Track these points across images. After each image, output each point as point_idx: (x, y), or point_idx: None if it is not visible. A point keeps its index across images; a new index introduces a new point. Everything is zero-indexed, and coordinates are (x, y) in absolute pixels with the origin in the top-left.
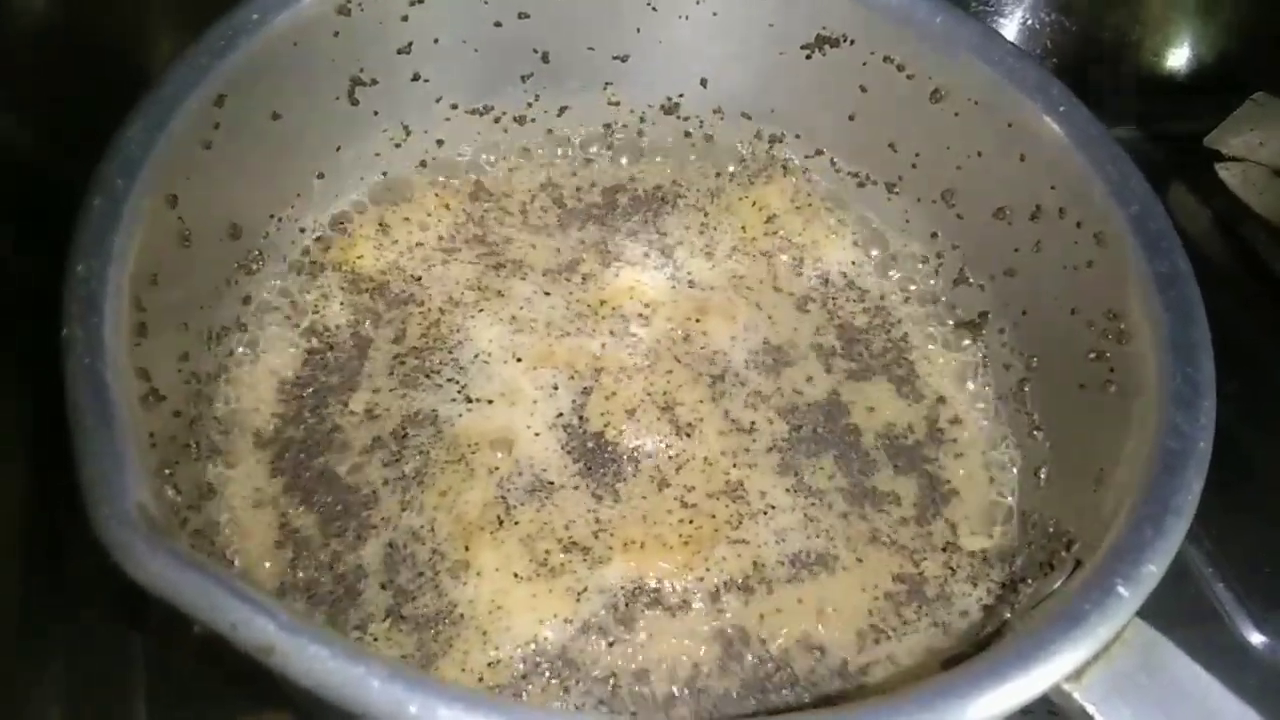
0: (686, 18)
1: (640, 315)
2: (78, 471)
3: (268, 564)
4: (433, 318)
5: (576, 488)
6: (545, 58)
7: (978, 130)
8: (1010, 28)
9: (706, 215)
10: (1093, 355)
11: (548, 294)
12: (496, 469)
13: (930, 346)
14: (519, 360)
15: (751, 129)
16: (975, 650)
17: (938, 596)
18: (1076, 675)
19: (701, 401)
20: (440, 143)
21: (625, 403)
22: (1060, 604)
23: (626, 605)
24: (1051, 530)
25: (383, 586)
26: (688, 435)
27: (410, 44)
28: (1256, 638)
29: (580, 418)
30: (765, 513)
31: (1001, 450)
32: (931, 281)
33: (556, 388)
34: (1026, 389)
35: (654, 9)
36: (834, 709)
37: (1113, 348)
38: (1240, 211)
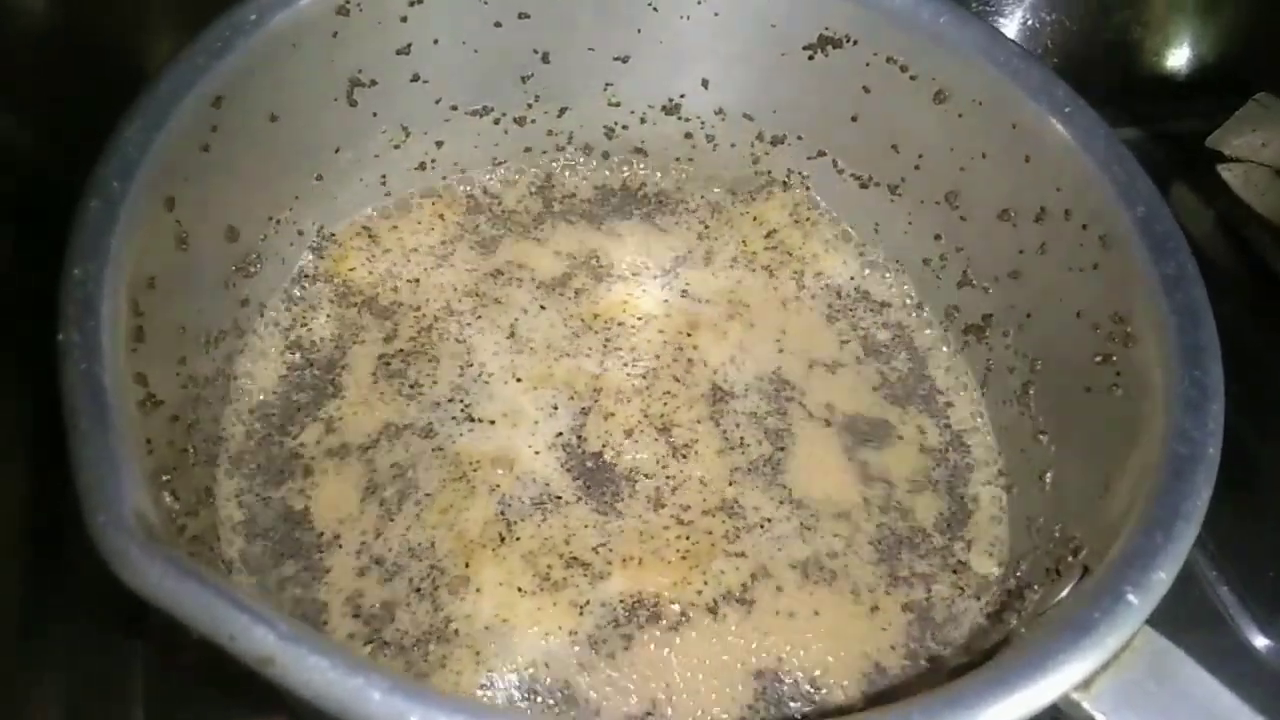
0: (688, 18)
1: (638, 330)
2: (75, 477)
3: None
4: (426, 324)
5: (576, 505)
6: (545, 58)
7: (982, 131)
8: (1011, 28)
9: (707, 227)
10: (1098, 358)
11: (543, 307)
12: (498, 486)
13: (933, 350)
14: (519, 380)
15: (753, 130)
16: (982, 659)
17: (945, 619)
18: (1085, 684)
19: (699, 421)
20: (440, 144)
21: (623, 423)
22: (1068, 612)
23: (627, 618)
24: (1057, 536)
25: (357, 612)
26: (684, 457)
27: (409, 45)
28: (1261, 641)
29: (579, 437)
30: (761, 526)
31: (1006, 455)
32: (935, 284)
33: (556, 408)
34: (1031, 392)
35: (655, 9)
36: (842, 719)
37: (1119, 351)
38: (1242, 213)
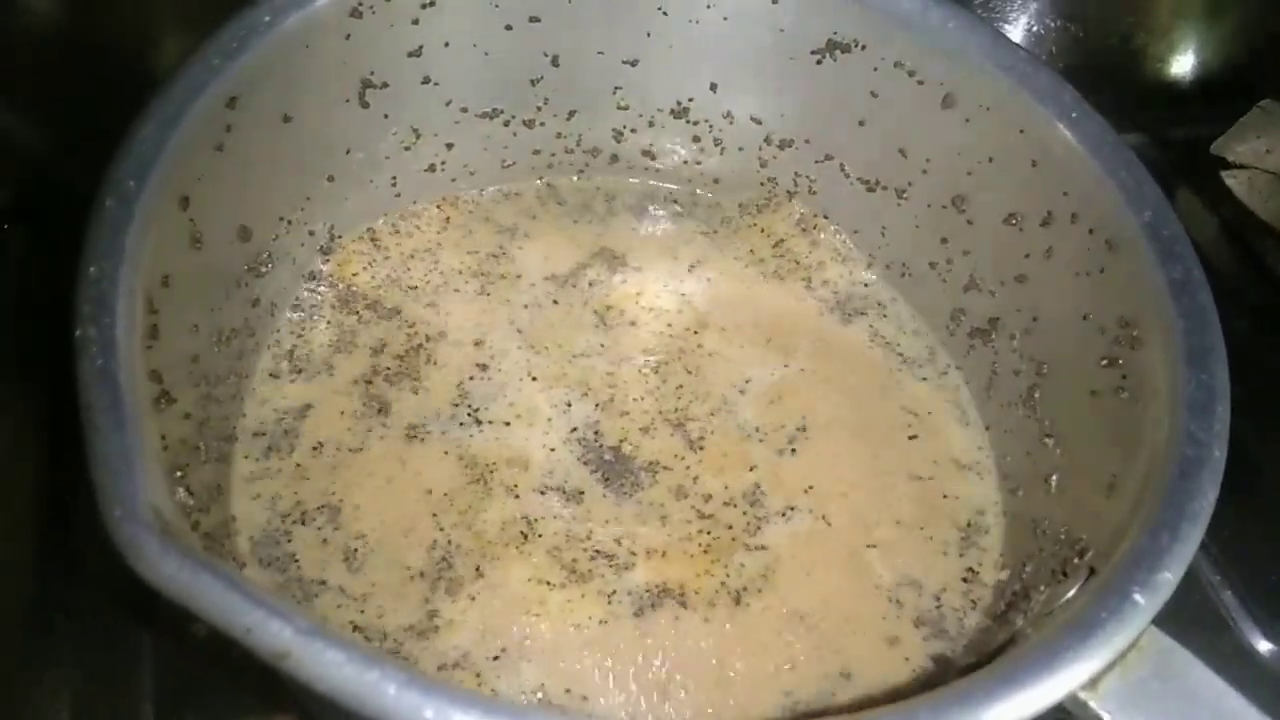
0: (697, 22)
1: (648, 325)
2: (91, 472)
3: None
4: (435, 327)
5: (596, 500)
6: (555, 61)
7: (989, 136)
8: (1016, 34)
9: (716, 231)
10: (1105, 362)
11: (555, 302)
12: (516, 486)
13: (940, 353)
14: (534, 379)
15: (761, 134)
16: (989, 659)
17: (952, 618)
18: (1092, 684)
19: (713, 414)
20: (450, 146)
21: (639, 420)
22: (1075, 612)
23: (653, 608)
24: (1063, 538)
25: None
26: (701, 448)
27: (421, 47)
28: (1264, 645)
29: (596, 433)
30: (784, 515)
31: (1012, 458)
32: (942, 288)
33: (570, 405)
34: (1037, 396)
35: (664, 13)
36: (848, 716)
37: (1125, 354)
38: (1246, 218)
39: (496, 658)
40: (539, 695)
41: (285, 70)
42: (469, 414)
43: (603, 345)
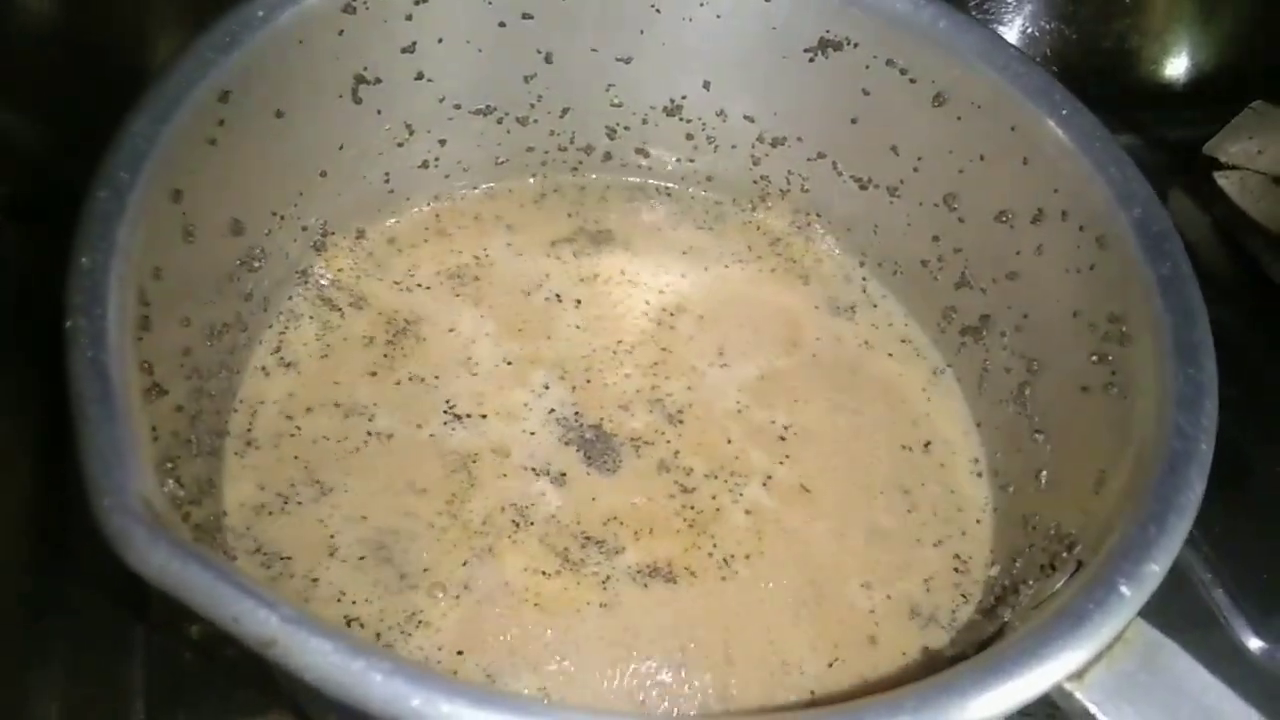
0: (690, 20)
1: (631, 315)
2: (80, 463)
3: None
4: (428, 324)
5: (580, 479)
6: (548, 58)
7: (980, 134)
8: (1010, 35)
9: (711, 229)
10: (1094, 358)
11: (546, 299)
12: (505, 475)
13: (930, 350)
14: (509, 364)
15: (754, 132)
16: (976, 650)
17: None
18: (1079, 675)
19: (690, 388)
20: (443, 142)
21: (618, 397)
22: (1062, 603)
23: (646, 586)
24: (1052, 533)
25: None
26: (680, 422)
27: (414, 43)
28: (1254, 643)
29: (576, 413)
30: (764, 484)
31: (1002, 454)
32: (933, 285)
33: (548, 387)
34: (1028, 392)
35: (657, 11)
36: (835, 706)
37: (1115, 350)
38: (1238, 219)
39: (493, 650)
40: (542, 688)
41: (278, 65)
42: (453, 406)
43: (579, 324)
